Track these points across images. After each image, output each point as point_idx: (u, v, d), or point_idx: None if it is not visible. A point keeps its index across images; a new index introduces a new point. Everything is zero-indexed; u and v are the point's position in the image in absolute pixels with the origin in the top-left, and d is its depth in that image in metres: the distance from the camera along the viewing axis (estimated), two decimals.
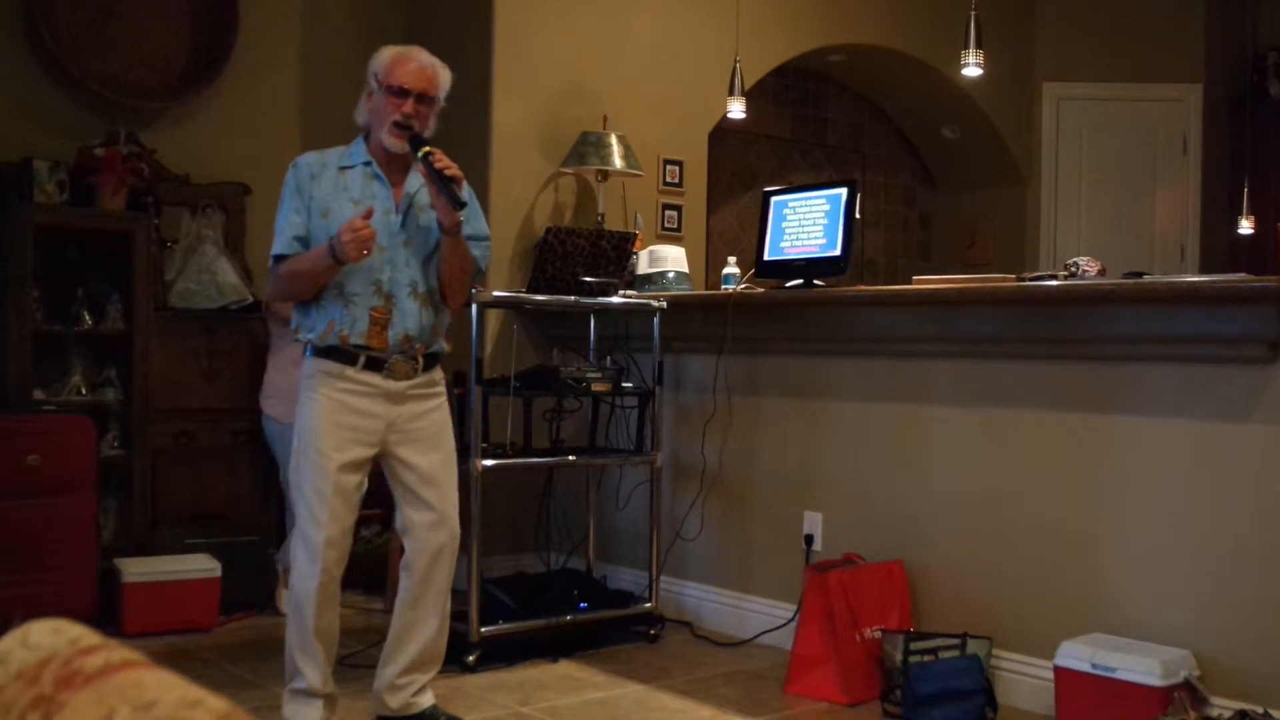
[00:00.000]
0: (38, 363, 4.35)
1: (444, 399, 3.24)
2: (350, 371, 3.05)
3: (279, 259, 3.11)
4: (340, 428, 3.04)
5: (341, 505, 3.04)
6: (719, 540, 4.45)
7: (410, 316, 3.09)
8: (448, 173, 3.00)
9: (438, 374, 3.22)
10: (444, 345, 3.23)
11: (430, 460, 3.15)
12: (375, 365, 3.07)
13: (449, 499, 3.18)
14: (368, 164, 3.12)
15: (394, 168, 3.14)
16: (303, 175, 3.11)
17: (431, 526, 3.15)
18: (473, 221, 3.18)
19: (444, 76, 3.16)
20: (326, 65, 5.30)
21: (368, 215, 2.97)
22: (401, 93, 3.06)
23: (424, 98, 3.09)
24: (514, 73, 5.09)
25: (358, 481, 3.09)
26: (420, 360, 3.13)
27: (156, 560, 4.31)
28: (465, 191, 3.09)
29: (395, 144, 3.07)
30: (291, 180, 3.12)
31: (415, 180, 3.15)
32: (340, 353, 3.06)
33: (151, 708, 0.65)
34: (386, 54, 3.15)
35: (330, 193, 3.09)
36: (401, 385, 3.09)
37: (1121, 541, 3.31)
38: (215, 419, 4.72)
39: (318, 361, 3.08)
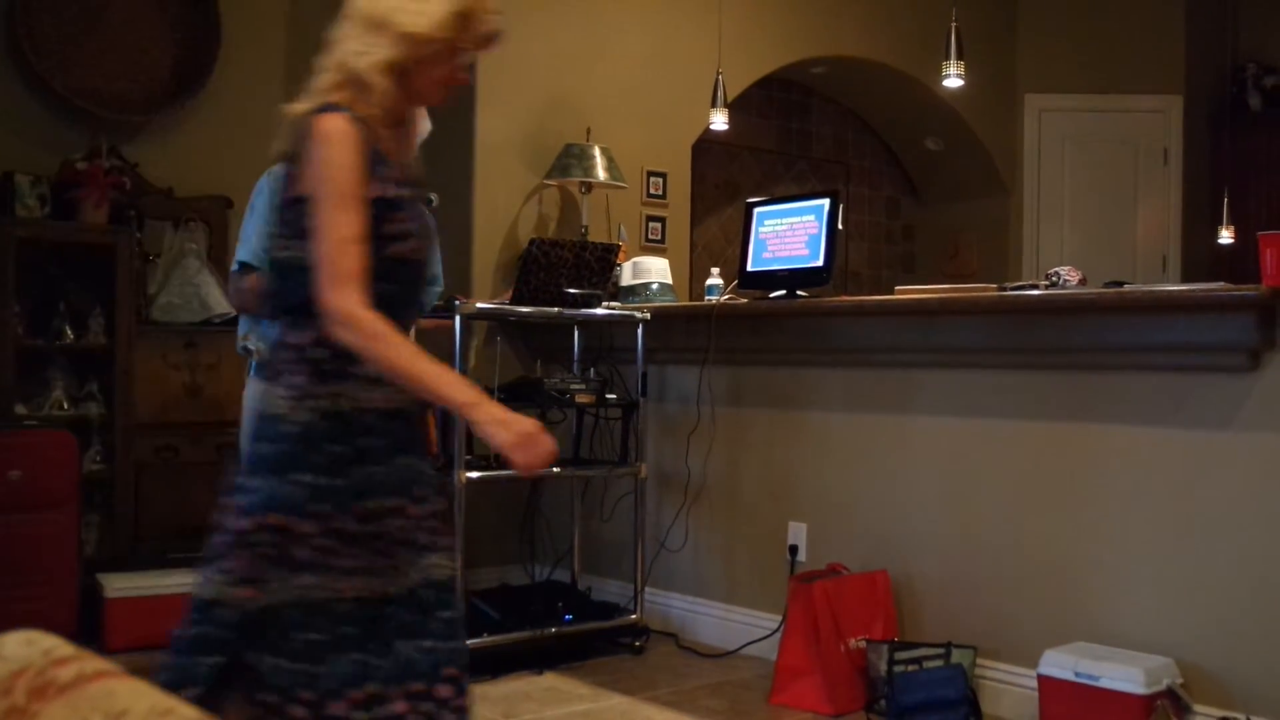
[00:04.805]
0: (19, 377, 4.33)
1: None
2: None
3: (245, 267, 3.03)
4: None
5: None
6: (704, 551, 4.44)
7: None
8: None
9: None
10: None
11: None
12: None
13: None
14: None
15: None
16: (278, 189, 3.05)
17: None
18: None
19: None
20: (310, 78, 5.29)
21: None
22: None
23: None
24: (497, 85, 5.09)
25: None
26: None
27: (139, 575, 4.28)
28: None
29: None
30: (266, 189, 3.04)
31: None
32: None
33: (123, 716, 0.65)
34: None
35: None
36: None
37: (1104, 550, 3.32)
38: (198, 433, 4.70)
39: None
